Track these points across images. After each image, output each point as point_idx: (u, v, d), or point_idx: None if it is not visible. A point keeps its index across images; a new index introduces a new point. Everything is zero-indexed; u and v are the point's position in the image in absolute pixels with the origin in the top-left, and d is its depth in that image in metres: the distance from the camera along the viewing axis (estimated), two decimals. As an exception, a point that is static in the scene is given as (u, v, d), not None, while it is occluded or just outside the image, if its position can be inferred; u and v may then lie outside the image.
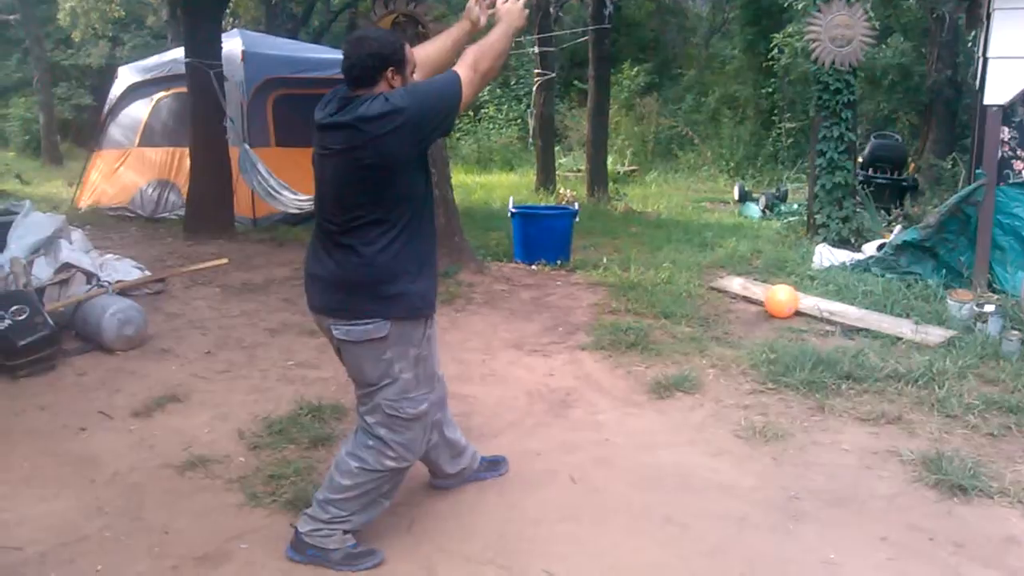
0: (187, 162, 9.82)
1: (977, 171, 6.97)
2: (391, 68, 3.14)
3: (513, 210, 8.39)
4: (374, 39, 3.19)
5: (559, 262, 8.13)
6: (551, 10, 15.66)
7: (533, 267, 8.08)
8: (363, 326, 3.07)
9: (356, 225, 3.11)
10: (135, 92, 11.79)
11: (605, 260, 8.18)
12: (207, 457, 4.06)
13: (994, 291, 6.68)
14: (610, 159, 16.08)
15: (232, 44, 10.28)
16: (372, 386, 3.16)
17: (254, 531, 3.44)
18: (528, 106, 18.74)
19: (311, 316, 3.34)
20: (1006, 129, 6.74)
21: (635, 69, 21.15)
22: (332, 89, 3.31)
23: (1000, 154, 6.75)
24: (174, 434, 4.36)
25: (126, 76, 12.07)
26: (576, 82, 20.66)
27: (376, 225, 3.08)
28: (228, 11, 16.38)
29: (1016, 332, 5.57)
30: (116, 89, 12.08)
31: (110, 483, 3.85)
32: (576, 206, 8.95)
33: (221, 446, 4.21)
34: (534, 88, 15.17)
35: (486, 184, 16.20)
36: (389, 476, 3.24)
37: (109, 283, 6.20)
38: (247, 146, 9.45)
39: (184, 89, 9.85)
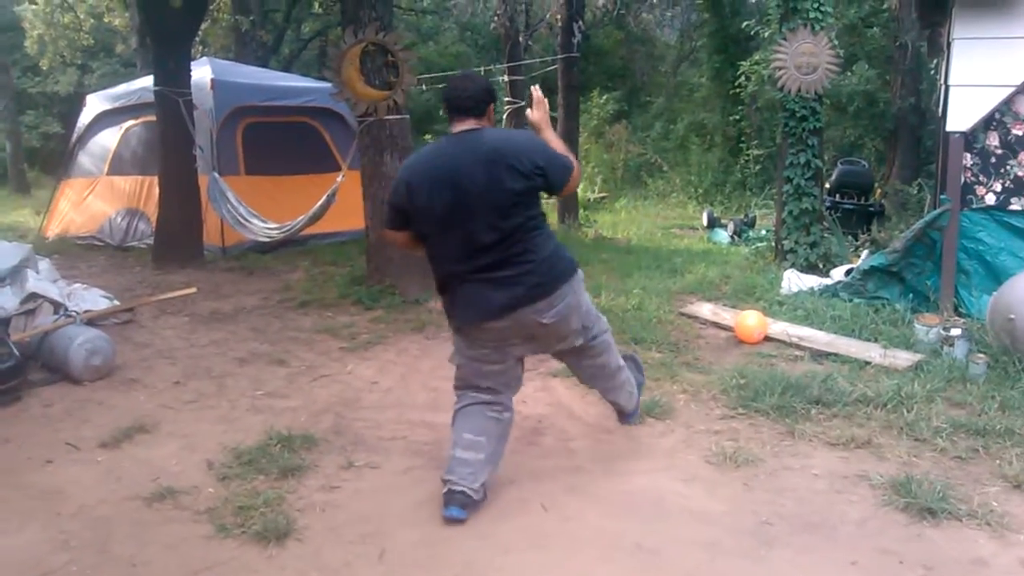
0: (156, 190, 9.78)
1: (941, 197, 7.06)
2: (492, 103, 3.84)
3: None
4: (481, 77, 3.92)
5: (530, 288, 8.11)
6: (520, 39, 15.78)
7: (504, 294, 8.06)
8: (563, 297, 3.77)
9: (513, 242, 3.68)
10: (104, 120, 11.77)
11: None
12: (175, 488, 4.02)
13: (960, 315, 6.74)
14: (580, 186, 16.15)
15: (202, 72, 10.27)
16: (587, 328, 3.96)
17: (223, 563, 3.40)
18: (498, 134, 18.80)
19: (499, 327, 3.76)
20: (968, 155, 6.83)
21: (604, 97, 21.30)
22: (449, 137, 3.79)
23: (963, 180, 6.84)
24: (142, 465, 4.32)
25: (95, 104, 12.04)
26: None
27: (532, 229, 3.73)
28: (198, 39, 16.35)
29: (982, 355, 5.62)
30: (85, 117, 12.06)
31: (76, 516, 3.80)
32: (546, 233, 8.95)
33: (189, 477, 4.17)
34: (504, 116, 15.24)
35: (458, 211, 16.20)
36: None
37: (77, 313, 6.15)
38: (216, 174, 9.43)
39: (153, 117, 9.82)
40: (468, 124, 3.72)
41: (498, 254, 3.67)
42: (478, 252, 3.67)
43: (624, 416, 4.49)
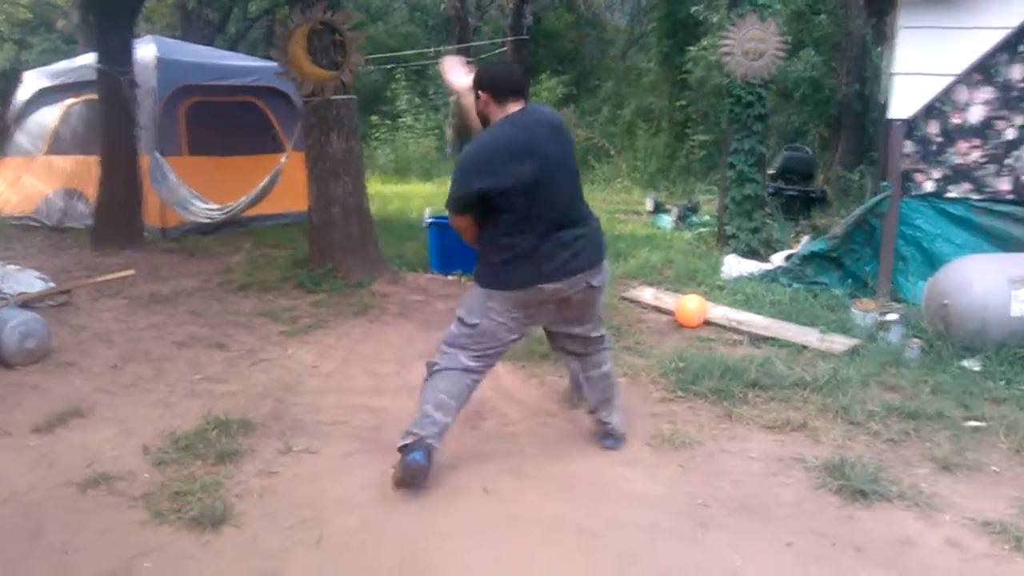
0: (96, 170, 9.60)
1: (882, 183, 7.17)
2: None
3: (429, 220, 8.37)
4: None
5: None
6: (470, 20, 15.73)
7: (449, 278, 8.07)
8: (606, 266, 4.15)
9: (579, 203, 4.09)
10: (43, 98, 11.52)
11: (521, 270, 8.19)
12: (110, 474, 3.96)
13: (897, 300, 6.86)
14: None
15: (146, 50, 10.10)
16: (601, 320, 4.32)
17: (158, 549, 3.36)
18: (446, 116, 18.77)
19: (550, 289, 3.94)
20: (909, 143, 6.94)
21: (553, 80, 21.28)
22: (509, 116, 3.96)
23: (903, 167, 6.95)
24: (76, 450, 4.25)
25: (33, 81, 11.78)
26: (495, 92, 20.70)
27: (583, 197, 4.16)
28: (142, 17, 16.08)
29: (917, 340, 5.73)
30: (22, 94, 11.78)
31: (7, 503, 3.73)
32: (493, 216, 8.95)
33: (125, 462, 4.11)
34: (452, 98, 15.18)
35: (403, 194, 16.12)
36: None
37: (10, 295, 6.04)
38: (158, 154, 9.29)
39: (95, 96, 9.63)
40: (520, 103, 3.97)
41: (571, 216, 3.99)
42: (557, 216, 3.93)
43: (614, 439, 4.42)
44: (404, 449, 3.85)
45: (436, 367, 4.05)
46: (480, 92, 4.00)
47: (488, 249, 4.01)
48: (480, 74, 4.07)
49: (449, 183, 4.00)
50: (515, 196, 3.83)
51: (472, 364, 4.03)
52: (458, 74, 4.27)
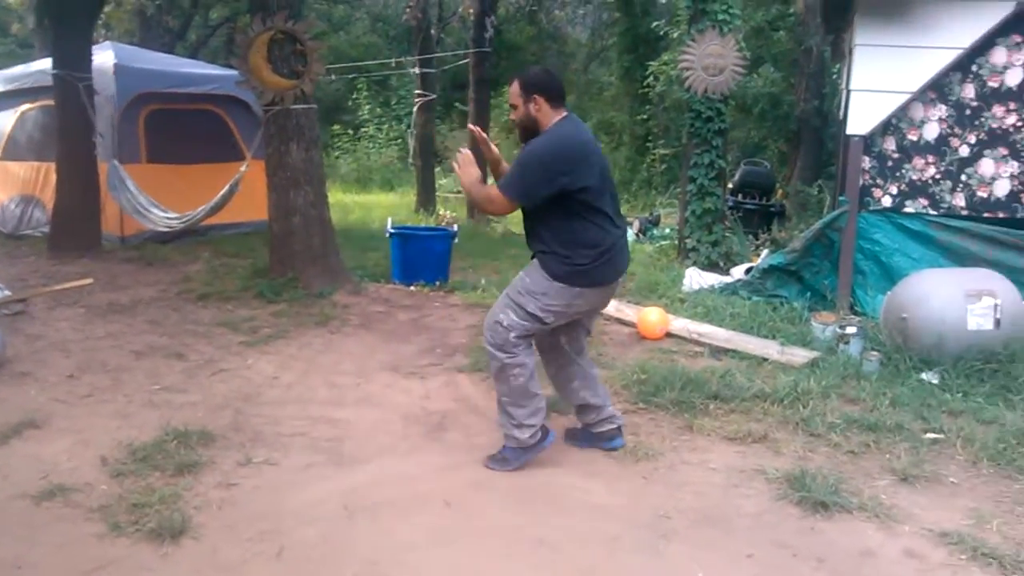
0: (53, 177, 9.47)
1: (840, 198, 7.25)
2: None
3: (391, 230, 8.35)
4: None
5: (438, 283, 8.12)
6: (432, 31, 15.72)
7: (411, 288, 8.04)
8: None
9: None
10: (-2, 102, 11.34)
11: (484, 281, 8.21)
12: (66, 486, 3.89)
13: (856, 313, 6.94)
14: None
15: (104, 57, 9.98)
16: None
17: (116, 562, 3.31)
18: (408, 126, 18.71)
19: (605, 294, 4.28)
20: (867, 158, 7.03)
21: (515, 93, 21.29)
22: (568, 118, 4.20)
23: (861, 182, 7.04)
24: (31, 462, 4.18)
25: (-13, 86, 11.60)
26: (457, 104, 20.75)
27: None
28: (100, 23, 15.91)
29: (875, 353, 5.80)
30: (-24, 99, 11.59)
31: (-41, 515, 3.66)
32: (455, 227, 8.97)
33: (82, 474, 4.04)
34: (415, 108, 15.18)
35: (365, 204, 16.10)
36: None
37: (-36, 303, 5.93)
38: (116, 162, 9.19)
39: (51, 101, 9.51)
40: (565, 110, 4.20)
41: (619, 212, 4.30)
42: (616, 211, 4.23)
43: (620, 436, 4.52)
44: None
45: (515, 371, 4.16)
46: (535, 95, 4.08)
47: (571, 248, 4.07)
48: (533, 79, 4.14)
49: (514, 176, 4.08)
50: (594, 192, 4.03)
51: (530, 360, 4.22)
52: (471, 172, 4.25)
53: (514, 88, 4.15)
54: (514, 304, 4.13)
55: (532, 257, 4.23)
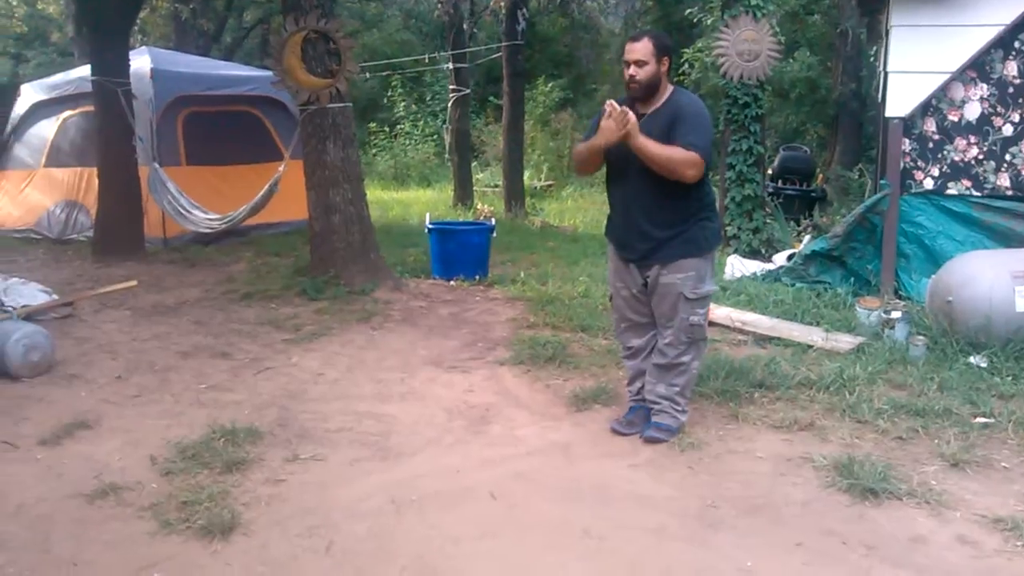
0: (96, 182, 9.60)
1: (881, 181, 7.17)
2: None
3: (430, 226, 8.38)
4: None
5: (477, 278, 8.14)
6: (465, 26, 15.73)
7: (451, 283, 8.07)
8: None
9: None
10: (40, 110, 11.53)
11: (523, 275, 8.21)
12: (118, 485, 3.94)
13: (900, 298, 6.86)
14: (526, 174, 16.16)
15: (141, 62, 10.10)
16: None
17: (168, 559, 3.35)
18: (444, 122, 18.79)
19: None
20: (907, 141, 6.95)
21: (549, 85, 21.29)
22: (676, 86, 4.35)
23: (902, 165, 6.96)
24: (83, 462, 4.24)
25: (30, 94, 11.79)
26: (491, 98, 20.74)
27: None
28: (136, 28, 16.09)
29: (922, 337, 5.73)
30: (20, 107, 11.79)
31: (15, 516, 3.71)
32: (493, 221, 8.97)
33: (132, 473, 4.10)
34: (449, 104, 15.22)
35: (403, 200, 16.15)
36: None
37: (13, 308, 6.03)
38: (157, 165, 9.31)
39: (92, 108, 9.64)
40: None
41: None
42: None
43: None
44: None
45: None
46: (665, 57, 4.16)
47: (707, 209, 4.31)
48: (666, 40, 4.24)
49: (699, 134, 4.10)
50: None
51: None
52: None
53: (646, 46, 4.15)
54: None
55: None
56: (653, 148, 4.03)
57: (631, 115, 4.03)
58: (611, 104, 4.10)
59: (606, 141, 4.12)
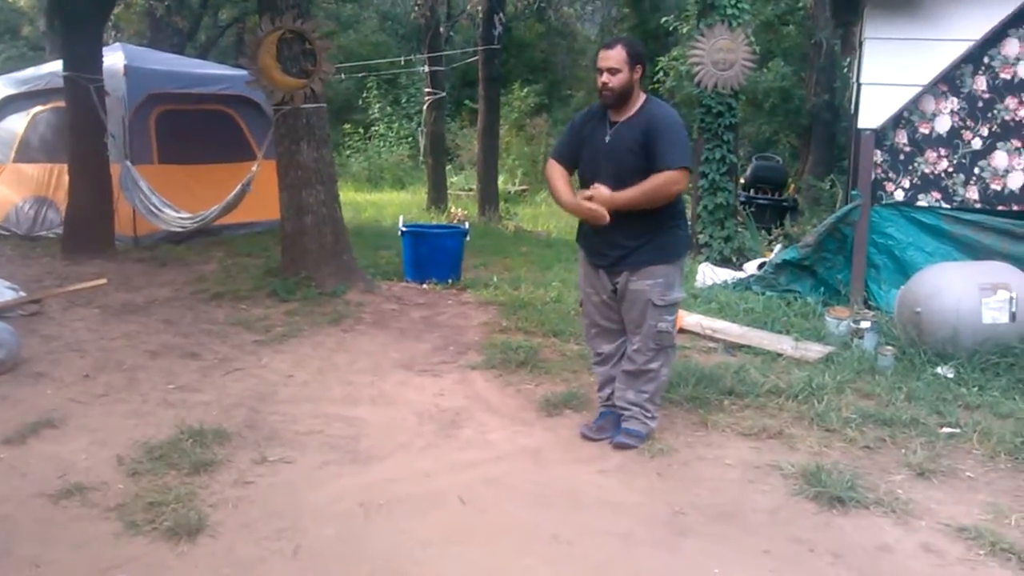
0: (66, 179, 9.50)
1: (853, 192, 7.23)
2: None
3: (403, 228, 8.36)
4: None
5: (450, 281, 8.13)
6: (441, 29, 15.73)
7: (424, 286, 8.05)
8: None
9: None
10: (10, 105, 11.37)
11: (495, 279, 8.21)
12: (83, 485, 3.90)
13: (870, 308, 6.92)
14: (501, 178, 16.18)
15: (114, 58, 10.00)
16: None
17: (133, 560, 3.32)
18: (419, 124, 18.77)
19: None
20: (879, 152, 7.01)
21: (525, 90, 21.33)
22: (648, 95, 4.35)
23: (873, 176, 7.02)
24: (48, 461, 4.19)
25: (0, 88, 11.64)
26: (467, 101, 20.74)
27: None
28: (110, 24, 15.96)
29: (890, 347, 5.78)
30: (-12, 101, 11.64)
31: (-24, 515, 3.67)
32: (467, 225, 8.96)
33: (98, 473, 4.06)
34: (424, 107, 15.22)
35: (376, 202, 16.12)
36: None
37: (-21, 305, 5.96)
38: (129, 163, 9.23)
39: (63, 103, 9.53)
40: None
41: None
42: None
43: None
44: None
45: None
46: (638, 66, 4.17)
47: (677, 217, 4.35)
48: (640, 49, 4.26)
49: (677, 147, 4.12)
50: None
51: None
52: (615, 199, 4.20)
53: (619, 53, 4.17)
54: None
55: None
56: (634, 195, 4.13)
57: (602, 211, 4.15)
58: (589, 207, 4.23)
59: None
